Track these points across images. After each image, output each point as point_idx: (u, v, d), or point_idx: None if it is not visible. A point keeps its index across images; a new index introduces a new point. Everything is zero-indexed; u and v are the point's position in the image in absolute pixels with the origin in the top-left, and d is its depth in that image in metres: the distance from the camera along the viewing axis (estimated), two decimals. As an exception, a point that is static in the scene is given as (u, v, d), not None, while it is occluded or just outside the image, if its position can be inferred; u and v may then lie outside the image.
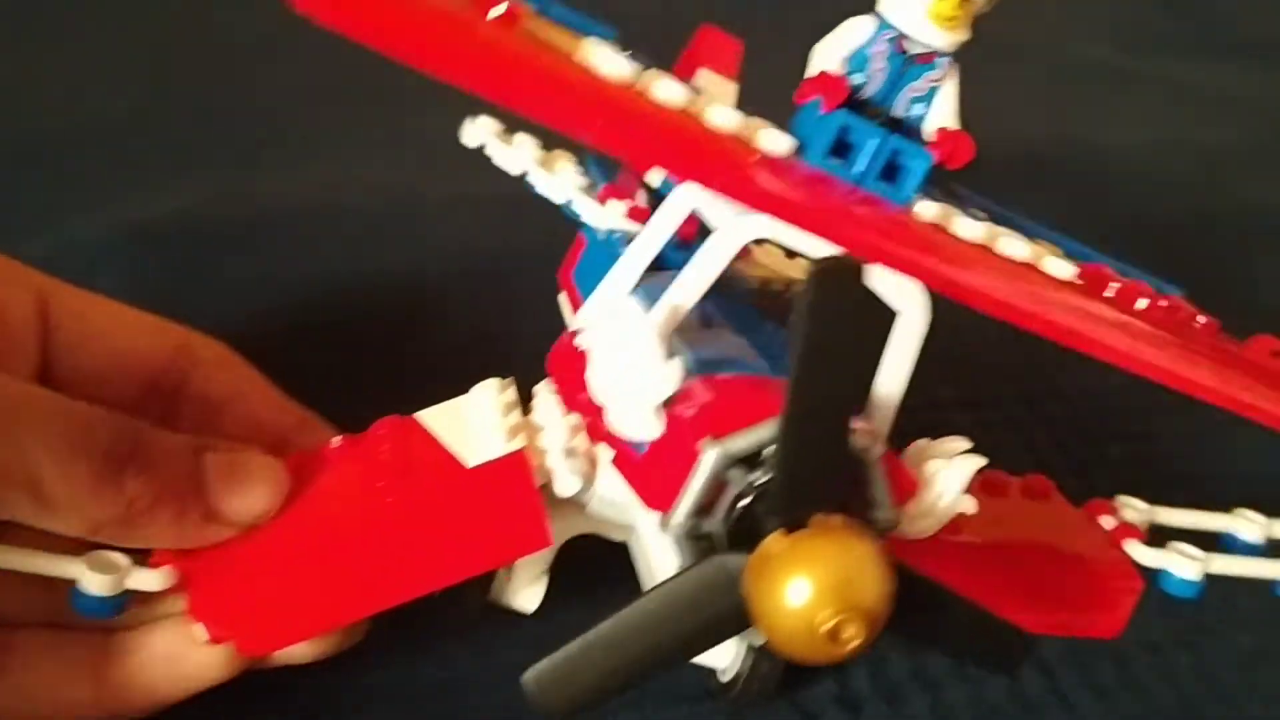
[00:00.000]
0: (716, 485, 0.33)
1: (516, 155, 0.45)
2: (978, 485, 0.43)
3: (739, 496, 0.33)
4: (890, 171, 0.36)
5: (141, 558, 0.34)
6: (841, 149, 0.36)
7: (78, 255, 0.57)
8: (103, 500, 0.33)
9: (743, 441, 0.32)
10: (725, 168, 0.33)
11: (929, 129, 0.36)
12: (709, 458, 0.32)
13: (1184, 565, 0.41)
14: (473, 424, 0.38)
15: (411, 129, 0.65)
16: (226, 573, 0.35)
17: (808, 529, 0.30)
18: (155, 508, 0.34)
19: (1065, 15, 1.01)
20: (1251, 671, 0.48)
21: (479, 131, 0.44)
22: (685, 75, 0.51)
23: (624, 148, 0.38)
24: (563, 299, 0.47)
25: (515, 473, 0.36)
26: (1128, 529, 0.43)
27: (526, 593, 0.39)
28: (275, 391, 0.42)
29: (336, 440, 0.38)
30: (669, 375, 0.34)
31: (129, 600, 0.34)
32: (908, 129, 0.36)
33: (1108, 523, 0.43)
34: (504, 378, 0.39)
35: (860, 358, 0.30)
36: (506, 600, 0.39)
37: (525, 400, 0.39)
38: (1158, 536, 0.44)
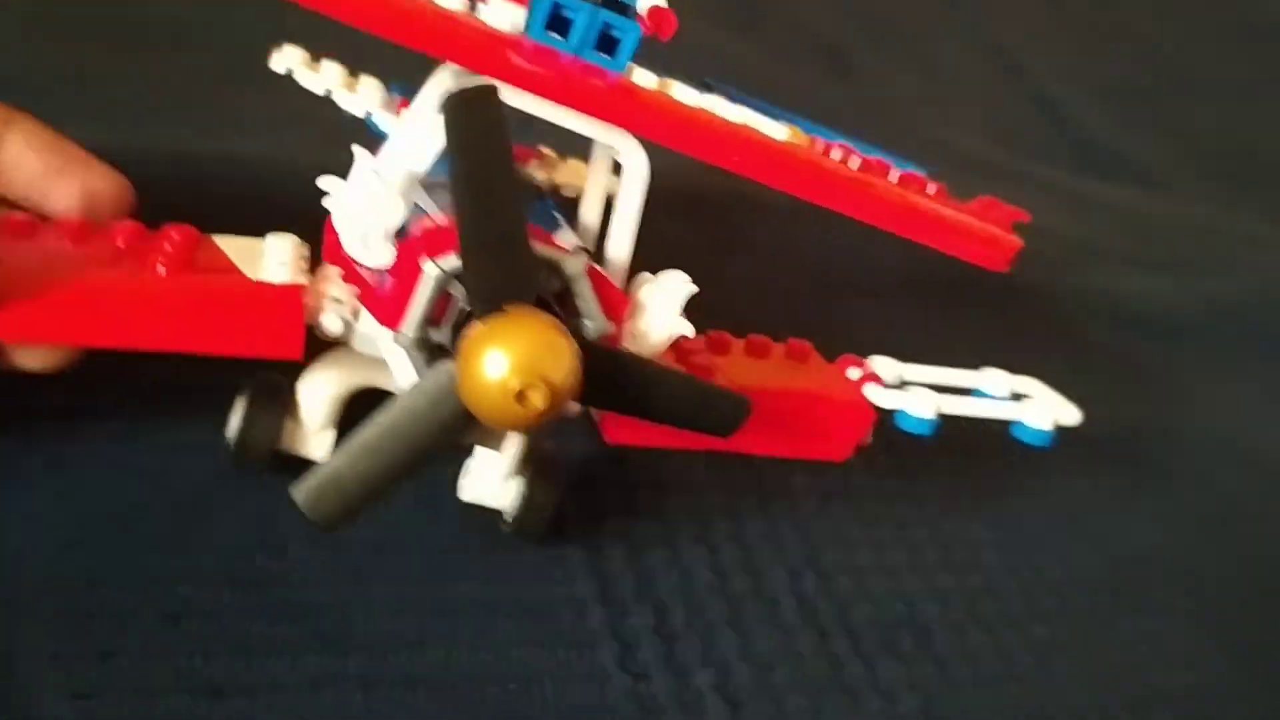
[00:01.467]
0: (442, 299, 0.37)
1: (321, 78, 0.50)
2: (741, 348, 0.47)
3: (463, 308, 0.37)
4: (607, 44, 0.41)
5: None
6: (559, 25, 0.41)
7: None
8: None
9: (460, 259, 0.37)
10: (482, 50, 0.37)
11: (641, 8, 0.42)
12: (430, 272, 0.37)
13: (918, 404, 0.45)
14: (262, 259, 0.41)
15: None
16: None
17: (501, 314, 0.34)
18: None
19: (944, 113, 1.08)
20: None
21: (285, 59, 0.50)
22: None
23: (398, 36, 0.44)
24: None
25: (289, 294, 0.40)
26: (871, 377, 0.47)
27: (314, 440, 0.44)
28: None
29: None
30: (396, 207, 0.39)
31: None
32: (623, 8, 0.42)
33: (855, 374, 0.47)
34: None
35: (501, 166, 0.35)
36: (296, 449, 0.44)
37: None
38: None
